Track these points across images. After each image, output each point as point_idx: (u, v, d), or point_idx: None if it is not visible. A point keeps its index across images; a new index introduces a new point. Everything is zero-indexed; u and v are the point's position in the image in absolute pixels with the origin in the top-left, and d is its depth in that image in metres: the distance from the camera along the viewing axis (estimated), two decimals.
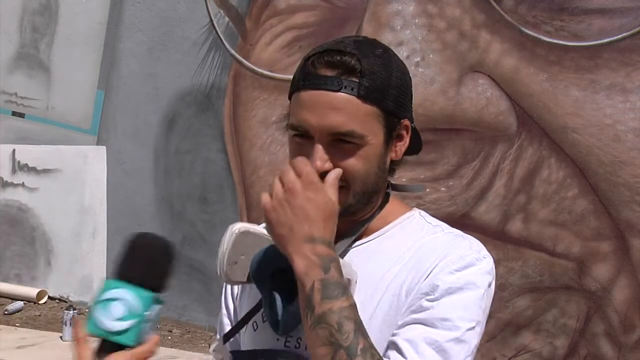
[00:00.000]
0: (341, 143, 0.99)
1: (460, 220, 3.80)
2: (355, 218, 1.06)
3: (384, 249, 1.05)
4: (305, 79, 1.00)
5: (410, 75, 1.07)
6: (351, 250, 1.06)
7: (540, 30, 3.72)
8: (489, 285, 0.99)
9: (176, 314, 4.86)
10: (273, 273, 0.99)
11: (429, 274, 0.98)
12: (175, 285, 4.90)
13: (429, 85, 3.91)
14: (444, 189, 3.88)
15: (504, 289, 3.67)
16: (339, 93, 0.97)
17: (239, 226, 1.04)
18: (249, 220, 4.60)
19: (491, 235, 3.75)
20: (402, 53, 3.96)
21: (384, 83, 0.99)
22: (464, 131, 3.85)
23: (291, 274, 0.95)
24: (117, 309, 0.82)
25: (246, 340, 1.14)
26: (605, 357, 3.59)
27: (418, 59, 3.96)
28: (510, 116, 3.78)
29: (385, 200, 1.09)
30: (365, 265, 1.02)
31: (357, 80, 0.97)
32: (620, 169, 3.54)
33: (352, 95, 0.97)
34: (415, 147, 1.11)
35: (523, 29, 3.75)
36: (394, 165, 1.09)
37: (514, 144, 3.77)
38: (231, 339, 1.16)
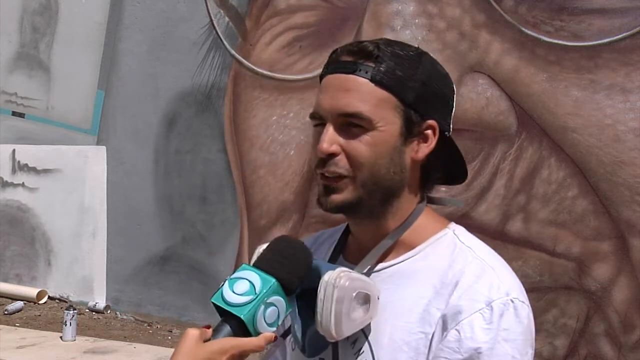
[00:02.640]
0: (351, 127, 0.96)
1: (460, 220, 3.77)
2: (379, 225, 1.01)
3: (415, 274, 0.99)
4: (327, 66, 1.00)
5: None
6: (382, 272, 1.01)
7: (540, 30, 3.72)
8: (526, 335, 0.93)
9: (176, 314, 4.86)
10: (300, 292, 0.97)
11: (456, 321, 0.92)
12: (175, 285, 4.90)
13: None
14: (444, 189, 3.87)
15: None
16: (352, 75, 0.96)
17: (265, 247, 1.03)
18: (249, 221, 4.61)
19: (491, 235, 3.75)
20: None
21: (405, 74, 0.96)
22: (464, 131, 3.85)
23: (312, 295, 0.93)
24: (241, 285, 0.90)
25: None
26: (605, 357, 3.59)
27: None
28: (510, 116, 3.78)
29: (418, 212, 1.03)
30: (396, 292, 0.98)
31: (373, 65, 0.96)
32: (620, 169, 3.54)
33: (365, 78, 0.95)
34: (454, 168, 1.07)
35: (523, 29, 3.75)
36: (431, 182, 1.04)
37: (514, 144, 3.77)
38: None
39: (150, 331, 4.84)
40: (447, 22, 3.94)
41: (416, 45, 1.03)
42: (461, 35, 3.90)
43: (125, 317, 5.10)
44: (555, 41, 3.68)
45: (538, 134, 3.71)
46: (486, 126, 3.82)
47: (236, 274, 0.92)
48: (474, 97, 3.84)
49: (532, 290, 3.71)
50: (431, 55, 1.03)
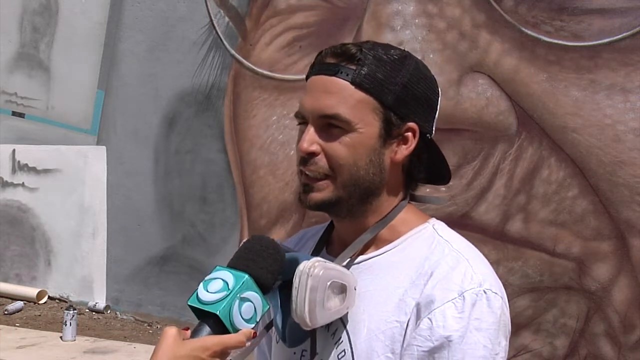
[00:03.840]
0: (331, 128, 0.98)
1: (460, 220, 3.80)
2: (359, 222, 1.03)
3: (392, 265, 1.01)
4: (312, 67, 1.03)
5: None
6: (362, 264, 1.03)
7: (540, 30, 3.72)
8: (498, 323, 0.94)
9: (176, 314, 4.86)
10: (282, 285, 0.99)
11: (429, 310, 0.94)
12: (175, 285, 4.90)
13: None
14: (444, 189, 3.87)
15: (504, 289, 3.67)
16: (334, 77, 0.98)
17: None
18: (249, 221, 4.61)
19: (491, 235, 3.75)
20: None
21: (386, 77, 0.98)
22: (464, 131, 3.85)
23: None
24: (215, 284, 0.92)
25: (272, 354, 1.15)
26: (605, 357, 3.59)
27: None
28: (510, 116, 3.78)
29: (399, 209, 1.04)
30: (374, 282, 1.00)
31: (354, 68, 0.98)
32: (620, 169, 3.54)
33: (346, 80, 0.97)
34: (437, 169, 1.08)
35: (523, 29, 3.75)
36: (414, 181, 1.06)
37: (514, 144, 3.77)
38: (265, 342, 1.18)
39: (150, 331, 4.84)
40: (447, 22, 3.94)
41: (403, 48, 1.04)
42: (461, 35, 3.90)
43: (125, 317, 5.10)
44: (555, 41, 3.68)
45: (538, 134, 3.71)
46: (486, 126, 3.82)
47: (210, 276, 0.94)
48: (474, 97, 3.84)
49: (532, 290, 3.71)
50: (417, 58, 1.04)
